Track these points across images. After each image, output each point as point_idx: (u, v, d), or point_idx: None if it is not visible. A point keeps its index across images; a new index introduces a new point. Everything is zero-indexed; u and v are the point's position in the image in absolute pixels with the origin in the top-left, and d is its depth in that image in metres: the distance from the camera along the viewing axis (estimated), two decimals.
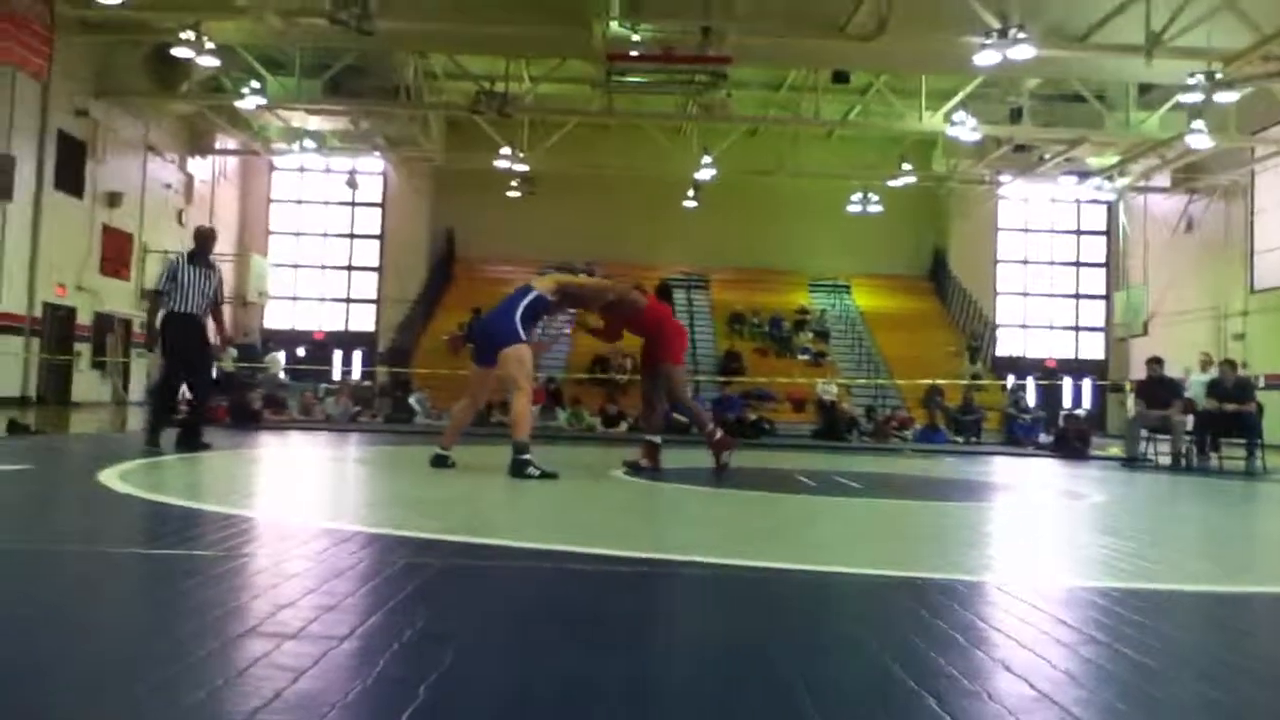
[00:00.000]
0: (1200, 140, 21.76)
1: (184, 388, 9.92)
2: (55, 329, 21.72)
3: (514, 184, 28.76)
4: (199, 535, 3.98)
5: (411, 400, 19.33)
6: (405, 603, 2.75)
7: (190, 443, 8.93)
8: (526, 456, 7.31)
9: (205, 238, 9.40)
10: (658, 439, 8.53)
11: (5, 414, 12.60)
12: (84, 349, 22.69)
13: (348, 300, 31.84)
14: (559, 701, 1.89)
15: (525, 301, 7.76)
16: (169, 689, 1.91)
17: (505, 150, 26.88)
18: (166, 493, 5.43)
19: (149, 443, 8.72)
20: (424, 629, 2.43)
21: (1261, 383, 22.77)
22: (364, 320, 31.57)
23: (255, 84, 23.07)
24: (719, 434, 8.99)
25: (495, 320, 7.83)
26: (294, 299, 31.48)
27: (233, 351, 22.94)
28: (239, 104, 23.77)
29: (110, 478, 5.89)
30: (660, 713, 1.87)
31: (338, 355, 30.64)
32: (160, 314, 8.98)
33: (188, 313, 8.86)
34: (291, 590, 2.84)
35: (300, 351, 30.08)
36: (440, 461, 7.87)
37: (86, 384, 22.67)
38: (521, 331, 7.63)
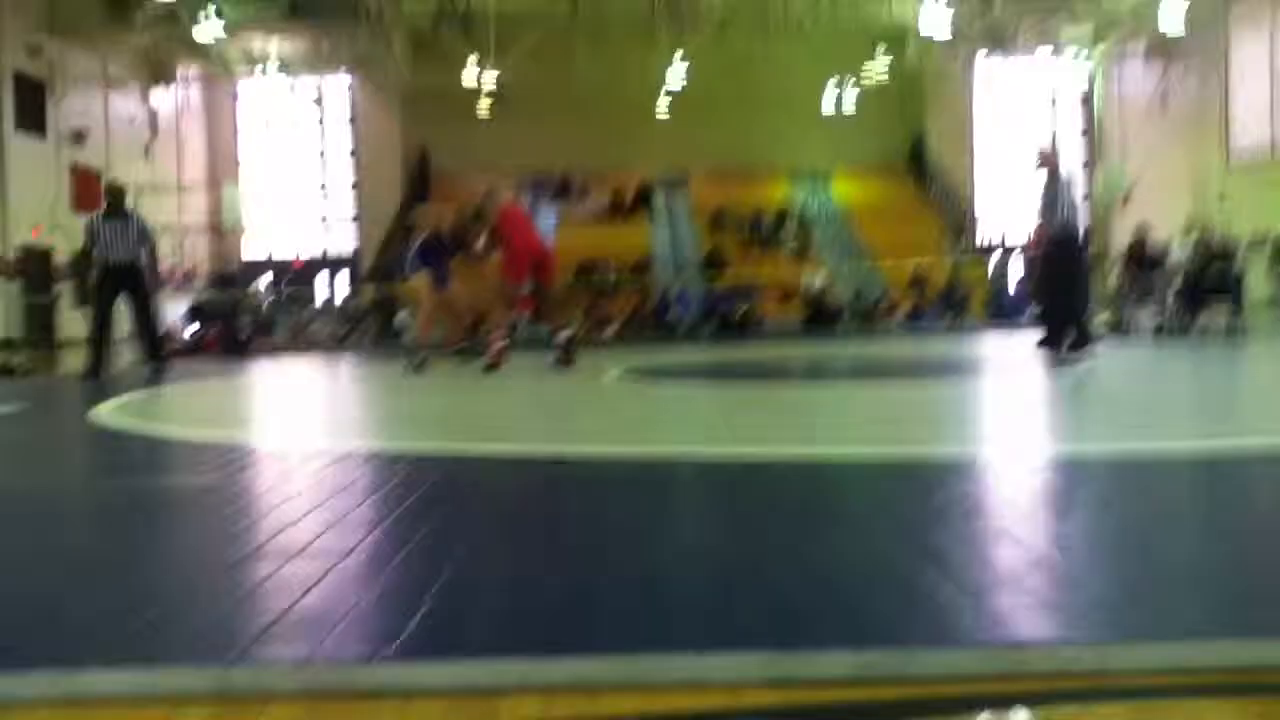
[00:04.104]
0: (1175, 9, 21.42)
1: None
2: (34, 270, 21.52)
3: (483, 100, 28.28)
4: (198, 464, 3.99)
5: (398, 318, 19.27)
6: (407, 515, 2.77)
7: (157, 371, 10.01)
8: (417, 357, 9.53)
9: (113, 193, 10.43)
10: (568, 334, 9.43)
11: None
12: (65, 289, 22.50)
13: (325, 224, 31.52)
14: (564, 602, 1.92)
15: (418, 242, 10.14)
16: (179, 614, 1.93)
17: (473, 66, 26.36)
18: (162, 425, 5.44)
19: (85, 378, 9.68)
20: (427, 539, 2.46)
21: (1243, 248, 22.81)
22: (345, 242, 31.30)
23: (212, 9, 22.46)
24: (498, 346, 9.34)
25: None
26: (271, 226, 31.14)
27: (201, 284, 22.88)
28: (196, 33, 23.20)
29: (104, 414, 5.90)
30: (665, 605, 1.90)
31: (321, 278, 30.43)
32: (95, 269, 10.07)
33: (115, 262, 9.92)
34: (293, 510, 2.86)
35: (284, 276, 29.82)
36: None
37: (70, 323, 22.54)
38: (411, 264, 10.14)
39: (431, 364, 9.61)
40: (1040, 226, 9.40)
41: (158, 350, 10.35)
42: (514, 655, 1.58)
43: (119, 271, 9.92)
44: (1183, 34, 22.40)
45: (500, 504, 3.09)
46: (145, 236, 10.22)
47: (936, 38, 23.89)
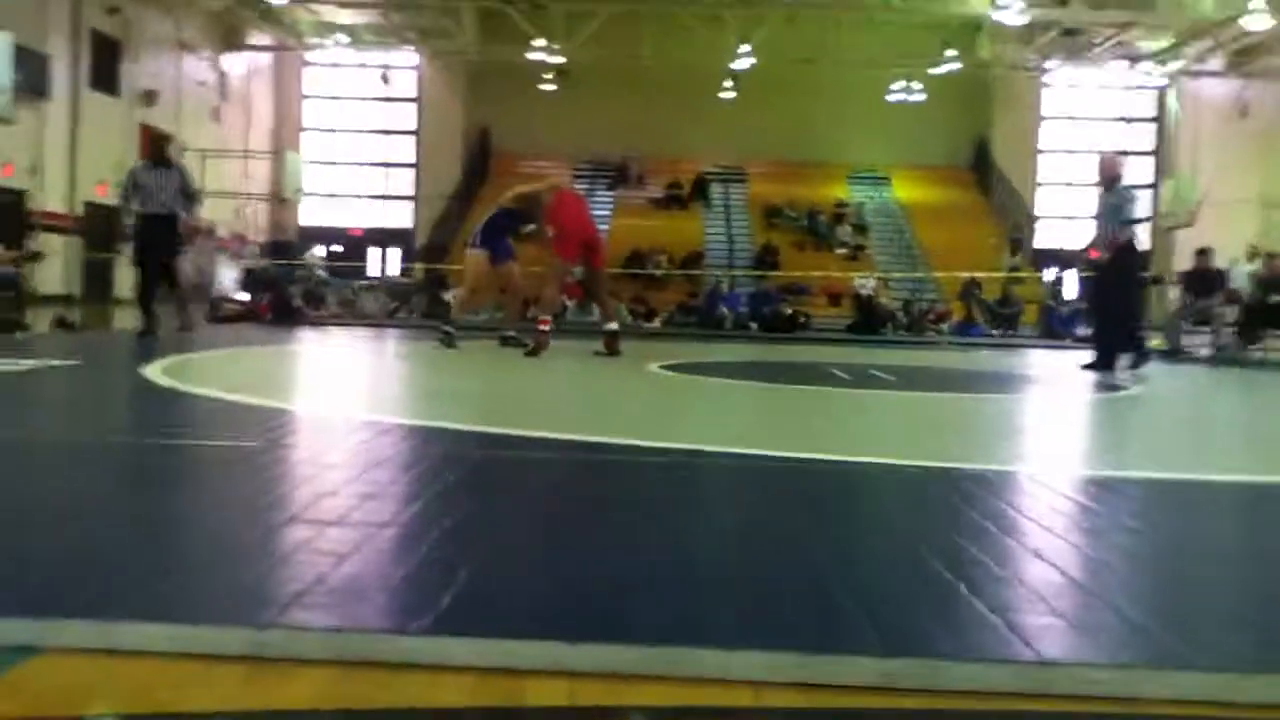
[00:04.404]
0: (1258, 21, 20.98)
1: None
2: (97, 227, 21.89)
3: (548, 77, 28.34)
4: (242, 427, 4.05)
5: (448, 296, 19.38)
6: (445, 491, 2.80)
7: (181, 332, 9.94)
8: (447, 327, 9.89)
9: (156, 143, 10.48)
10: (614, 326, 9.51)
11: (51, 311, 12.79)
12: (125, 246, 22.85)
13: (384, 197, 31.77)
14: (596, 586, 1.93)
15: (487, 218, 10.18)
16: (213, 574, 1.97)
17: (539, 42, 26.42)
18: (210, 387, 5.51)
19: (140, 335, 9.58)
20: (464, 516, 2.48)
21: None
22: (400, 217, 31.53)
23: None
24: (542, 330, 9.44)
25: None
26: (330, 196, 31.45)
27: (254, 249, 23.12)
28: None
29: (154, 372, 5.99)
30: (694, 600, 1.91)
31: (375, 252, 30.68)
32: (131, 218, 10.02)
33: (155, 213, 9.78)
34: (333, 479, 2.89)
35: (337, 248, 30.13)
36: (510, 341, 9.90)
37: (128, 281, 22.91)
38: (476, 239, 10.08)
39: (457, 343, 9.73)
40: (1099, 240, 9.44)
41: (184, 310, 10.27)
42: (544, 638, 1.59)
43: (155, 223, 9.78)
44: (1270, 24, 21.78)
45: (538, 488, 3.11)
46: (188, 190, 10.02)
47: (1008, 24, 23.56)
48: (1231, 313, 12.95)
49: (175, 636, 1.57)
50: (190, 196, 10.06)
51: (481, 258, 10.02)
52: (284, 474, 3.10)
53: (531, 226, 10.02)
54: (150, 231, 9.83)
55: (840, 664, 1.54)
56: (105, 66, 22.09)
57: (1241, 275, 16.58)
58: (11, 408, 4.78)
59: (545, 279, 9.94)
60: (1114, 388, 7.76)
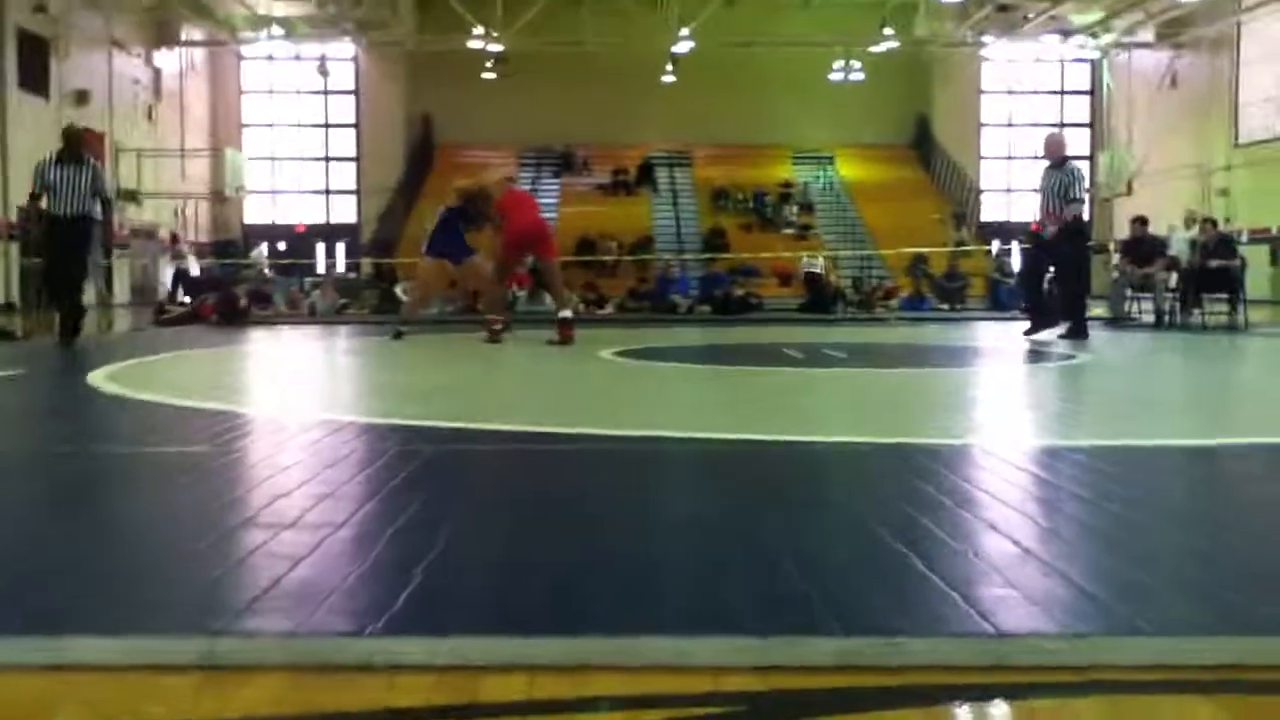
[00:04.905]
0: None
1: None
2: (32, 232, 21.44)
3: (489, 65, 28.11)
4: (193, 432, 3.99)
5: (397, 290, 19.21)
6: (399, 488, 2.77)
7: (68, 333, 9.01)
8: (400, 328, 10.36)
9: (70, 137, 9.38)
10: (568, 314, 9.49)
11: None
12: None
13: (327, 192, 31.40)
14: (552, 578, 1.92)
15: (437, 221, 10.29)
16: (169, 581, 1.94)
17: (478, 30, 26.20)
18: (158, 392, 5.43)
19: (64, 342, 8.90)
20: (418, 513, 2.46)
21: (1244, 237, 22.79)
22: (345, 212, 31.18)
23: None
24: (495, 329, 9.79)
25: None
26: (273, 192, 31.03)
27: (184, 249, 22.79)
28: None
29: (101, 379, 5.89)
30: (649, 587, 1.91)
31: (320, 248, 30.34)
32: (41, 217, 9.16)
33: (64, 215, 8.91)
34: (287, 481, 2.86)
35: (282, 246, 29.76)
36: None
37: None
38: (430, 247, 10.23)
39: (406, 336, 10.07)
40: (1044, 215, 9.65)
41: (75, 318, 9.18)
42: (500, 634, 1.58)
43: (66, 223, 8.93)
44: (1196, 1, 22.21)
45: (492, 481, 3.10)
46: (100, 188, 9.21)
47: (943, 1, 23.80)
48: (1171, 279, 13.18)
49: (127, 649, 1.54)
50: (104, 198, 9.27)
51: (436, 264, 10.36)
52: (237, 478, 3.06)
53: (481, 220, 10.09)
54: (59, 234, 8.99)
55: (798, 645, 1.55)
56: (34, 66, 21.59)
57: (1180, 241, 16.87)
58: None
59: (490, 273, 10.11)
60: (1060, 356, 7.87)
